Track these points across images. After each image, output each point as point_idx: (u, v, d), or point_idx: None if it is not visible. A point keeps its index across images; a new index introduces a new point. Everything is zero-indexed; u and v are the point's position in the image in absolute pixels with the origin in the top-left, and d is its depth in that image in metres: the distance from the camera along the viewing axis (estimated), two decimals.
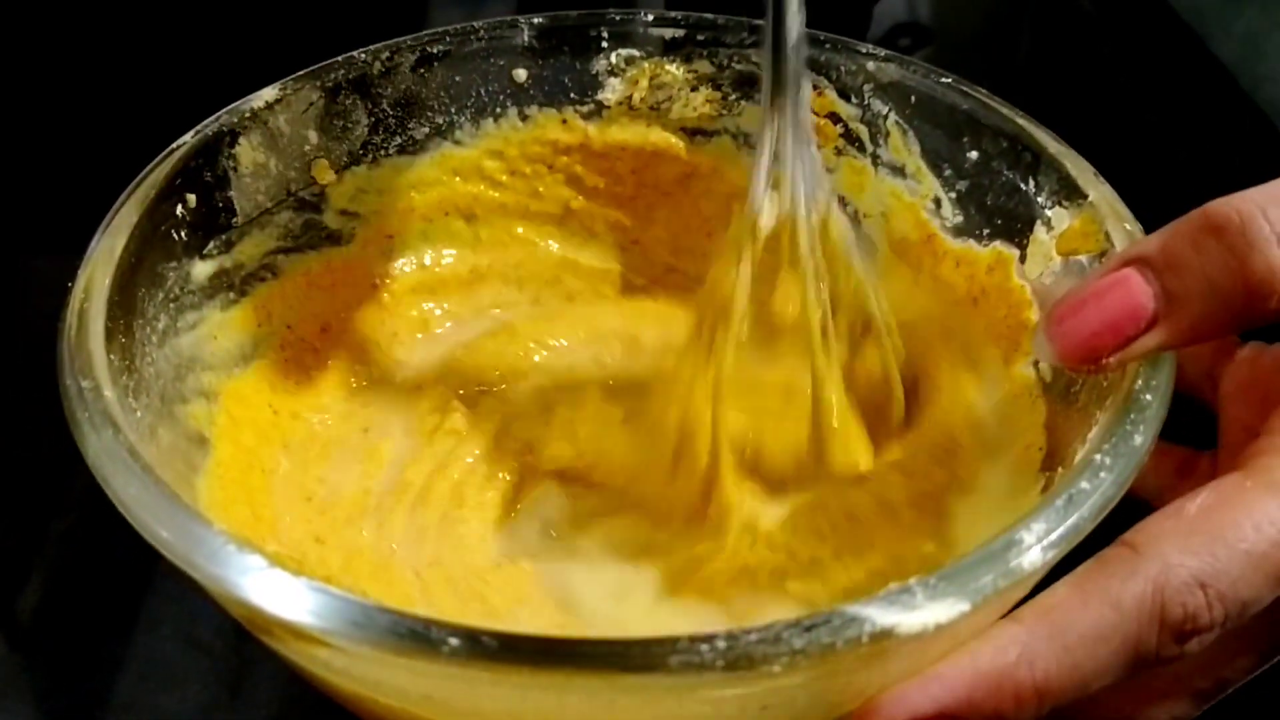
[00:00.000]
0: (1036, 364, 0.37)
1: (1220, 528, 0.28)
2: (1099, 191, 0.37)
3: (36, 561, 0.43)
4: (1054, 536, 0.28)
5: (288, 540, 0.36)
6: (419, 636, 0.26)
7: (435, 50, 0.43)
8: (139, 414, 0.33)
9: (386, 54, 0.43)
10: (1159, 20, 0.45)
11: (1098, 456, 0.29)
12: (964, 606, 0.26)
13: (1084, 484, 0.29)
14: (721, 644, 0.25)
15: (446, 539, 0.38)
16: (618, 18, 0.44)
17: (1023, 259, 0.39)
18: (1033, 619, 0.28)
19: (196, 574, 0.28)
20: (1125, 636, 0.27)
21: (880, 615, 0.26)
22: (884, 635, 0.26)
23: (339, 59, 0.42)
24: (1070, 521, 0.28)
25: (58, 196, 0.45)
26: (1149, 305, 0.31)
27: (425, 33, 0.43)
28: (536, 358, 0.43)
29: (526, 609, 0.36)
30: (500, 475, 0.39)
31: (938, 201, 0.41)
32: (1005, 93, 0.39)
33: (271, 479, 0.38)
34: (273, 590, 0.27)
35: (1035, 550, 0.27)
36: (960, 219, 0.41)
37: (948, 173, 0.41)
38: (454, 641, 0.25)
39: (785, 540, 0.36)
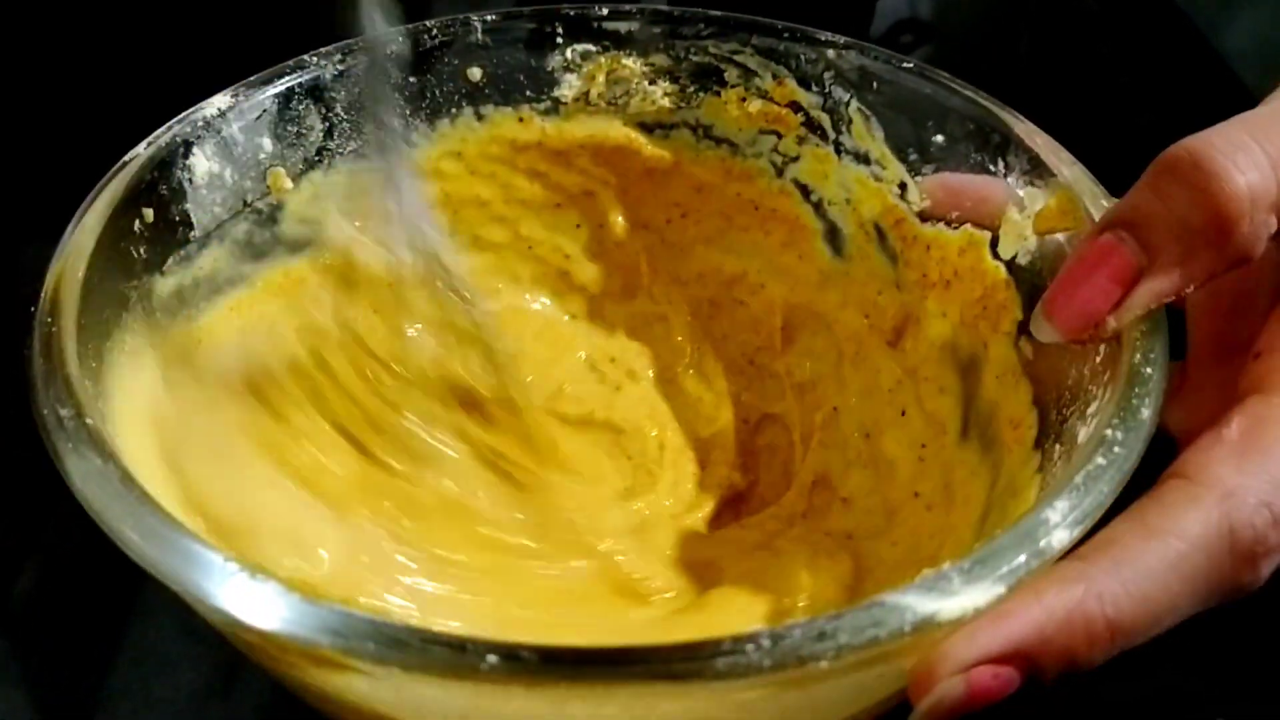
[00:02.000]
0: (1018, 343, 0.38)
1: (1270, 447, 0.29)
2: (1071, 170, 0.37)
3: (32, 547, 0.42)
4: (1078, 514, 0.28)
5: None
6: (455, 655, 0.25)
7: (388, 51, 0.42)
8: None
9: (338, 56, 0.41)
10: (1162, 16, 0.46)
11: (1109, 432, 0.30)
12: (999, 589, 0.26)
13: (1100, 459, 0.29)
14: (766, 642, 0.25)
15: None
16: (572, 13, 0.43)
17: (995, 240, 0.39)
18: (1096, 555, 0.28)
19: (205, 604, 0.27)
20: (1196, 566, 0.28)
21: (920, 603, 0.26)
22: (925, 623, 0.26)
23: (289, 62, 0.41)
24: (1092, 498, 0.28)
25: (39, 182, 0.43)
26: (1131, 261, 0.31)
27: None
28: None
29: None
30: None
31: (903, 186, 0.42)
32: (1006, 89, 0.39)
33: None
34: (293, 616, 0.26)
35: (1062, 529, 0.28)
36: (928, 202, 0.41)
37: (913, 157, 0.41)
38: (492, 658, 0.25)
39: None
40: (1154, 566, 0.27)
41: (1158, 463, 0.30)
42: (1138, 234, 0.32)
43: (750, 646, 0.25)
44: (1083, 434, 0.31)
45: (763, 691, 0.26)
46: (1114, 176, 0.35)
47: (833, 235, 0.44)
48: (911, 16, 0.57)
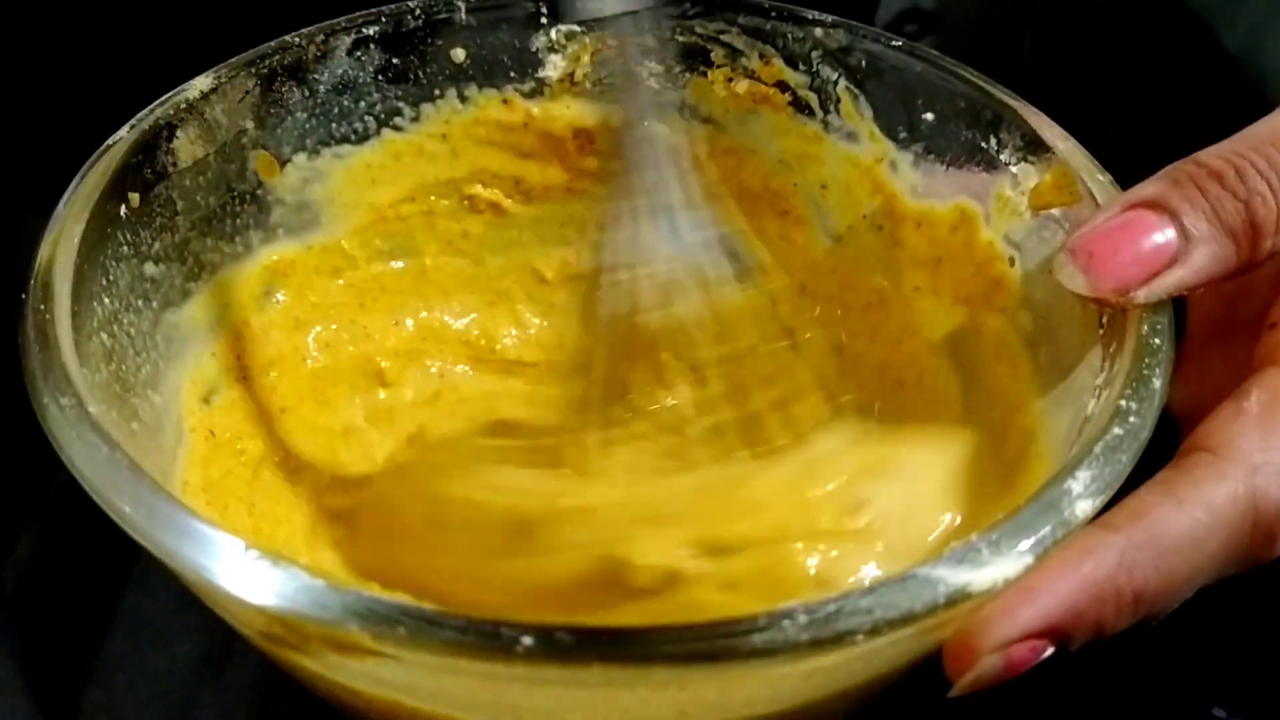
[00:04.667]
0: (1014, 318, 0.38)
1: None
2: (1066, 145, 0.37)
3: (28, 518, 0.42)
4: (1099, 483, 0.28)
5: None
6: (490, 638, 0.24)
7: (371, 32, 0.41)
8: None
9: (321, 37, 0.41)
10: (1167, 11, 0.46)
11: (1123, 403, 0.30)
12: (1028, 559, 0.27)
13: (1117, 430, 0.29)
14: (803, 618, 0.25)
15: None
16: None
17: (988, 218, 0.39)
18: (1129, 525, 0.28)
19: (226, 593, 0.26)
20: (1219, 541, 0.28)
21: (952, 575, 0.26)
22: (958, 594, 0.26)
23: (272, 44, 0.40)
24: (1112, 467, 0.28)
25: (36, 150, 0.43)
26: (1172, 243, 0.32)
27: (359, 14, 0.41)
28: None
29: None
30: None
31: (894, 164, 0.42)
32: (1010, 80, 0.39)
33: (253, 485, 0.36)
34: (320, 601, 0.25)
35: (1085, 499, 0.28)
36: (918, 180, 0.41)
37: (903, 135, 0.41)
38: (527, 640, 0.24)
39: None
40: (1181, 540, 0.28)
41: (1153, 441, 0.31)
42: (1182, 220, 0.31)
43: (787, 623, 0.25)
44: (1092, 406, 0.32)
45: (798, 667, 0.26)
46: (1117, 170, 0.36)
47: (821, 215, 0.44)
48: (915, 7, 0.57)
